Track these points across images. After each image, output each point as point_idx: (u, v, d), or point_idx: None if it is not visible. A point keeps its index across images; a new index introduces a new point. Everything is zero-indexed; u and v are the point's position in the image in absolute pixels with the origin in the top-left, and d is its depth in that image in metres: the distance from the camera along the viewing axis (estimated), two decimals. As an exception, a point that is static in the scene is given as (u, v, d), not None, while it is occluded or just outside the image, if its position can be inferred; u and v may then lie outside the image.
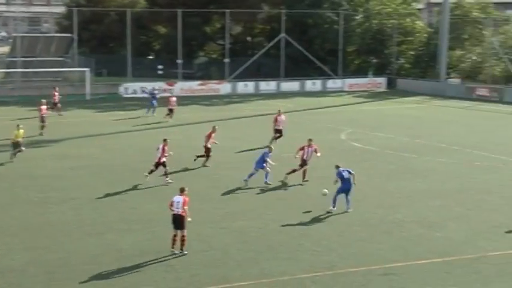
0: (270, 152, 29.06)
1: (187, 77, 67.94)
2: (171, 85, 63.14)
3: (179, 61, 66.16)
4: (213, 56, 79.23)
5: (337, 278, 18.86)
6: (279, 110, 38.48)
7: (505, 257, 20.59)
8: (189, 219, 20.59)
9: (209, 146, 32.29)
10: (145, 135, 41.71)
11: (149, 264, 19.67)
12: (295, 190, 28.00)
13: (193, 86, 64.73)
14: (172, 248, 20.44)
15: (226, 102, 59.80)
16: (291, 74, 68.66)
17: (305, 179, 29.16)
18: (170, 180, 28.85)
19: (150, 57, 78.74)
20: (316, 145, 29.64)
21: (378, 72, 71.60)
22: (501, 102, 57.82)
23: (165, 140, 29.30)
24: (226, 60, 67.84)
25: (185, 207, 20.32)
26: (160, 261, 19.87)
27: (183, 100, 59.87)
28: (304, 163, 29.23)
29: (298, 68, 69.44)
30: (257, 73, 69.45)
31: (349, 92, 67.27)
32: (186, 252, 20.39)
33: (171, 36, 70.64)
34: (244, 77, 66.99)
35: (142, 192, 27.70)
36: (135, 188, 28.36)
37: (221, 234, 22.46)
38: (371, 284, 18.48)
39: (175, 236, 20.44)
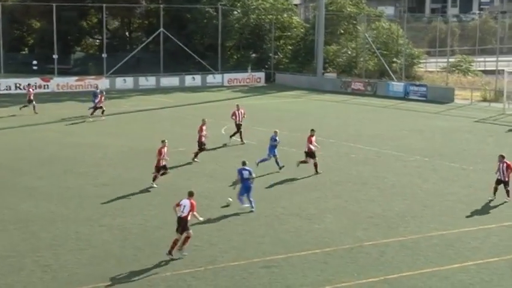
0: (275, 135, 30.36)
1: (64, 73, 66.27)
2: (46, 81, 61.43)
3: (55, 56, 64.44)
4: (91, 51, 77.68)
5: (219, 272, 18.90)
6: (237, 105, 38.45)
7: (381, 245, 21.24)
8: (201, 218, 20.88)
9: (203, 139, 32.25)
10: (20, 133, 40.42)
11: (25, 265, 19.07)
12: (173, 186, 27.81)
13: (70, 82, 63.21)
14: (170, 253, 19.61)
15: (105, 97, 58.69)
16: (171, 69, 68.24)
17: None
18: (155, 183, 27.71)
19: (24, 52, 76.33)
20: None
21: (257, 67, 72.24)
22: (375, 96, 59.63)
23: (163, 141, 27.81)
24: (104, 55, 66.66)
25: (194, 213, 19.97)
26: (37, 262, 19.30)
27: (60, 96, 58.34)
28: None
29: (178, 63, 69.09)
30: (136, 68, 68.60)
31: (228, 87, 67.56)
32: (186, 253, 19.83)
33: (46, 31, 68.68)
34: (123, 72, 66.01)
35: (17, 192, 26.81)
36: (10, 188, 27.42)
37: (101, 232, 22.06)
38: (252, 277, 18.63)
39: (176, 240, 19.78)
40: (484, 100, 54.87)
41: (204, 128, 32.60)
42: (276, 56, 73.55)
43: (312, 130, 30.83)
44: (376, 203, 25.97)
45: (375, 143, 37.90)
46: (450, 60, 67.17)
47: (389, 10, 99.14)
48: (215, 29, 70.77)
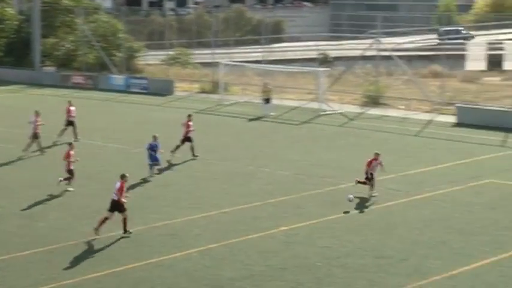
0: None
1: None
2: None
3: None
4: None
5: None
6: (69, 101, 37.17)
7: (105, 239, 21.24)
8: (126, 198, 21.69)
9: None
10: None
11: None
12: None
13: None
14: (97, 229, 21.21)
15: None
16: None
17: None
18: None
19: None
20: None
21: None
22: (96, 89, 59.14)
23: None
24: None
25: (121, 193, 21.22)
26: None
27: None
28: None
29: None
30: None
31: None
32: (131, 231, 21.52)
33: None
34: None
35: None
36: None
37: None
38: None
39: (106, 218, 21.28)
40: (203, 92, 56.80)
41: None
42: (-11, 50, 69.88)
43: (189, 115, 33.18)
44: (100, 197, 25.87)
45: (97, 136, 37.67)
46: (169, 53, 68.55)
47: (107, 3, 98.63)
48: None
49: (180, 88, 58.18)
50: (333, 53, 71.21)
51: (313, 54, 66.64)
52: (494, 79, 55.74)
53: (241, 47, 75.80)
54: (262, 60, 58.71)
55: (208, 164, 31.61)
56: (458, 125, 41.24)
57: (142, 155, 33.20)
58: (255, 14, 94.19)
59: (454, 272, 19.09)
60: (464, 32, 75.97)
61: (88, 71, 63.76)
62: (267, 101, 45.63)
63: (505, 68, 46.90)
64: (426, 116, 44.17)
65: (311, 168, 30.96)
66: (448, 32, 75.73)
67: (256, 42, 70.08)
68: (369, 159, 26.47)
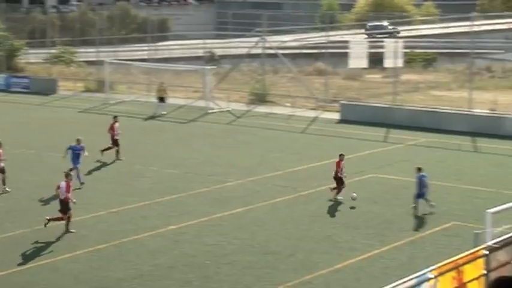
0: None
1: None
2: None
3: None
4: None
5: None
6: None
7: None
8: (74, 200, 22.32)
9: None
10: None
11: None
12: None
13: None
14: (47, 221, 22.05)
15: None
16: None
17: None
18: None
19: None
20: None
21: None
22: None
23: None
24: None
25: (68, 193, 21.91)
26: None
27: None
28: None
29: None
30: None
31: None
32: (73, 230, 21.94)
33: None
34: None
35: None
36: None
37: None
38: None
39: (60, 217, 22.03)
40: (88, 91, 55.89)
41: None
42: None
43: (115, 117, 32.84)
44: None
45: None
46: (52, 51, 67.10)
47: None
48: None
49: (64, 87, 57.04)
50: (219, 51, 71.58)
51: (199, 53, 66.70)
52: (376, 76, 57.55)
53: (127, 45, 75.08)
54: (148, 58, 58.39)
55: (95, 163, 31.18)
56: (342, 121, 42.32)
57: (25, 156, 32.41)
58: (140, 11, 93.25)
59: (339, 266, 19.66)
60: (390, 27, 78.36)
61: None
62: (162, 100, 45.37)
63: (386, 66, 48.48)
64: (311, 113, 45.10)
65: (199, 166, 31.08)
66: (374, 27, 78.06)
67: (142, 40, 69.57)
68: (337, 161, 26.24)
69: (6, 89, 56.03)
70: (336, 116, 43.64)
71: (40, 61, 68.59)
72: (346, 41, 50.81)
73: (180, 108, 46.92)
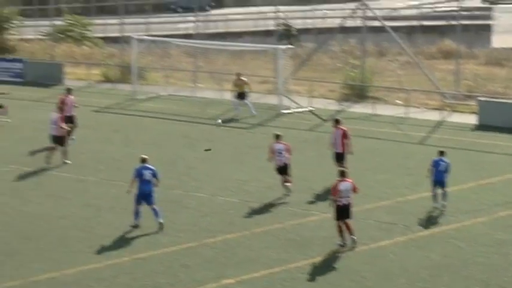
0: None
1: None
2: None
3: None
4: None
5: None
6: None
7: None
8: None
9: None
10: None
11: None
12: None
13: None
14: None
15: None
16: None
17: None
18: None
19: None
20: None
21: None
22: None
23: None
24: None
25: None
26: None
27: None
28: None
29: None
30: None
31: None
32: None
33: None
34: None
35: None
36: None
37: None
38: None
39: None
40: (107, 80, 56.47)
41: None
42: None
43: None
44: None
45: None
46: (56, 23, 68.04)
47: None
48: None
49: (73, 75, 57.87)
50: (299, 24, 71.71)
51: (269, 25, 66.99)
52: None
53: (163, 15, 76.04)
54: (194, 34, 58.80)
55: (113, 185, 31.55)
56: (480, 127, 41.80)
57: (17, 174, 33.07)
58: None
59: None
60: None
61: None
62: (242, 96, 45.50)
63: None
64: (435, 115, 44.70)
65: (266, 192, 31.05)
66: None
67: (185, 8, 70.19)
68: None
69: (-9, 78, 57.04)
70: (472, 119, 43.14)
71: (39, 37, 69.61)
72: (489, 8, 50.22)
73: (240, 106, 47.11)
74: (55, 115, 34.86)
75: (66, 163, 34.84)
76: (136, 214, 27.19)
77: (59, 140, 34.78)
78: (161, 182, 28.06)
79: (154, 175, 27.39)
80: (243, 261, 24.36)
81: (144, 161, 27.55)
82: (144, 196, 27.20)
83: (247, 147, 38.41)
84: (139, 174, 27.26)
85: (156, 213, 27.13)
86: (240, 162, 35.84)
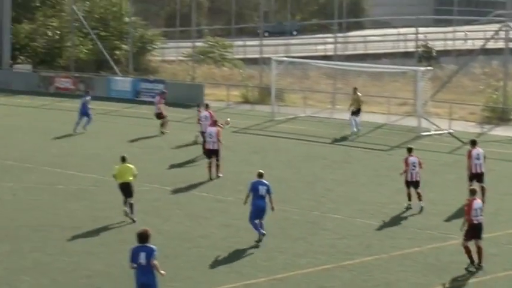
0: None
1: None
2: None
3: None
4: None
5: None
6: None
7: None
8: None
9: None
10: None
11: None
12: None
13: None
14: None
15: None
16: None
17: None
18: None
19: None
20: None
21: None
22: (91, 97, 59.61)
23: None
24: None
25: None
26: None
27: None
28: None
29: None
30: None
31: None
32: None
33: None
34: None
35: None
36: None
37: None
38: None
39: None
40: (246, 101, 56.95)
41: None
42: None
43: None
44: (96, 256, 26.14)
45: (92, 166, 38.06)
46: (197, 44, 68.93)
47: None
48: None
49: (213, 96, 58.40)
50: (439, 45, 71.13)
51: (408, 47, 66.63)
52: None
53: (303, 36, 76.24)
54: (333, 55, 58.89)
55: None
56: None
57: (157, 194, 33.57)
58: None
59: None
60: None
61: (79, 71, 64.32)
62: (357, 113, 45.62)
63: None
64: None
65: (406, 215, 30.86)
66: None
67: (325, 28, 70.38)
68: None
69: (134, 98, 57.97)
70: None
71: (180, 58, 70.53)
72: None
73: (379, 129, 46.90)
74: (214, 129, 35.98)
75: (219, 176, 35.84)
76: (256, 227, 27.49)
77: (216, 154, 35.97)
78: (299, 204, 28.17)
79: (268, 191, 27.55)
80: (380, 284, 24.23)
81: (260, 176, 27.78)
82: (259, 212, 27.45)
83: (385, 170, 38.23)
84: (254, 189, 27.57)
85: (262, 226, 27.60)
86: (379, 184, 35.71)
